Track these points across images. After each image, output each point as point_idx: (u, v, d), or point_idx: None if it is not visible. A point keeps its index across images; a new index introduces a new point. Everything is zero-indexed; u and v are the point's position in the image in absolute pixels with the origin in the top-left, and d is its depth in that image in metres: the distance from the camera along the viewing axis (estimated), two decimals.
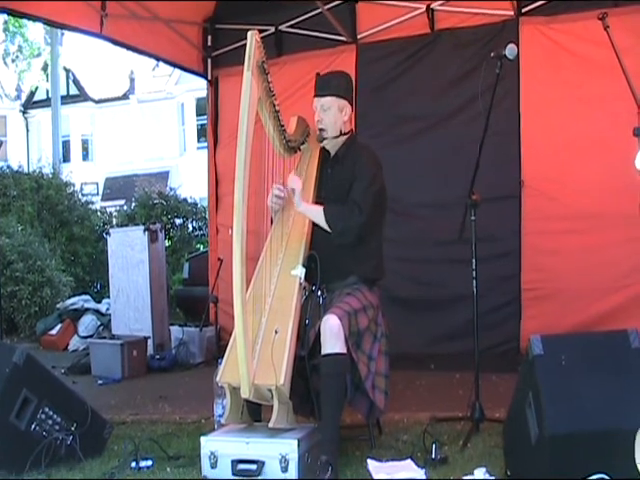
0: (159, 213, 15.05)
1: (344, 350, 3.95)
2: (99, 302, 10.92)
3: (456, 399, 5.15)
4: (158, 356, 8.10)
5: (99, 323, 10.05)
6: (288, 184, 4.32)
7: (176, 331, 8.51)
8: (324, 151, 4.55)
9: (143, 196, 15.98)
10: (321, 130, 4.41)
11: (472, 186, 4.74)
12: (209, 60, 8.84)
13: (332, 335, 3.93)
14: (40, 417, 4.11)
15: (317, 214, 4.27)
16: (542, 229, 6.76)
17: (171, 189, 16.91)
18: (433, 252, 7.17)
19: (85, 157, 31.84)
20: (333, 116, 4.38)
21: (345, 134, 4.45)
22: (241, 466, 3.81)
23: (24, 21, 20.29)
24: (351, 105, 4.47)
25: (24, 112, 32.22)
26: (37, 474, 3.94)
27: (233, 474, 3.82)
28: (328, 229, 4.22)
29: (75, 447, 4.13)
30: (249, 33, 3.91)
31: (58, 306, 11.02)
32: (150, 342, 8.14)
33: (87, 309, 10.38)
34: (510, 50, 4.59)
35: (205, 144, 10.36)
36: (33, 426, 4.07)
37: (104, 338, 8.28)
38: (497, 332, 6.79)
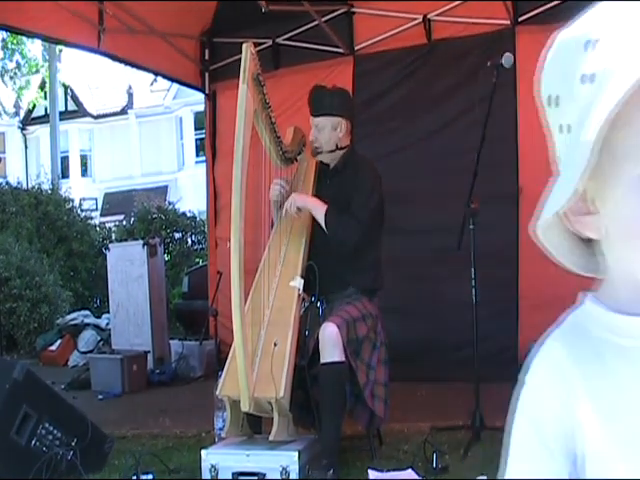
0: (158, 227, 15.01)
1: (343, 358, 3.96)
2: (99, 317, 10.90)
3: (456, 408, 5.14)
4: (158, 370, 8.09)
5: (99, 338, 10.03)
6: (291, 205, 4.33)
7: (176, 345, 8.50)
8: (322, 162, 4.57)
9: (142, 211, 15.95)
10: (316, 147, 4.45)
11: (470, 194, 4.73)
12: (207, 74, 8.82)
13: (330, 343, 3.94)
14: (40, 432, 4.10)
15: (320, 212, 4.28)
16: None
17: (170, 203, 16.89)
18: (430, 261, 7.14)
19: (84, 173, 31.80)
20: (327, 134, 4.42)
21: (342, 148, 4.47)
22: (242, 478, 3.82)
23: (22, 38, 20.36)
24: (349, 119, 4.49)
25: (23, 128, 32.22)
26: None
27: None
28: (326, 231, 4.24)
29: (76, 462, 4.12)
30: (244, 45, 3.95)
31: (58, 321, 11.00)
32: (150, 356, 8.13)
33: (87, 324, 10.35)
34: (506, 59, 4.60)
35: (204, 158, 10.35)
36: (33, 442, 4.07)
37: (104, 353, 8.29)
38: (495, 340, 6.76)
